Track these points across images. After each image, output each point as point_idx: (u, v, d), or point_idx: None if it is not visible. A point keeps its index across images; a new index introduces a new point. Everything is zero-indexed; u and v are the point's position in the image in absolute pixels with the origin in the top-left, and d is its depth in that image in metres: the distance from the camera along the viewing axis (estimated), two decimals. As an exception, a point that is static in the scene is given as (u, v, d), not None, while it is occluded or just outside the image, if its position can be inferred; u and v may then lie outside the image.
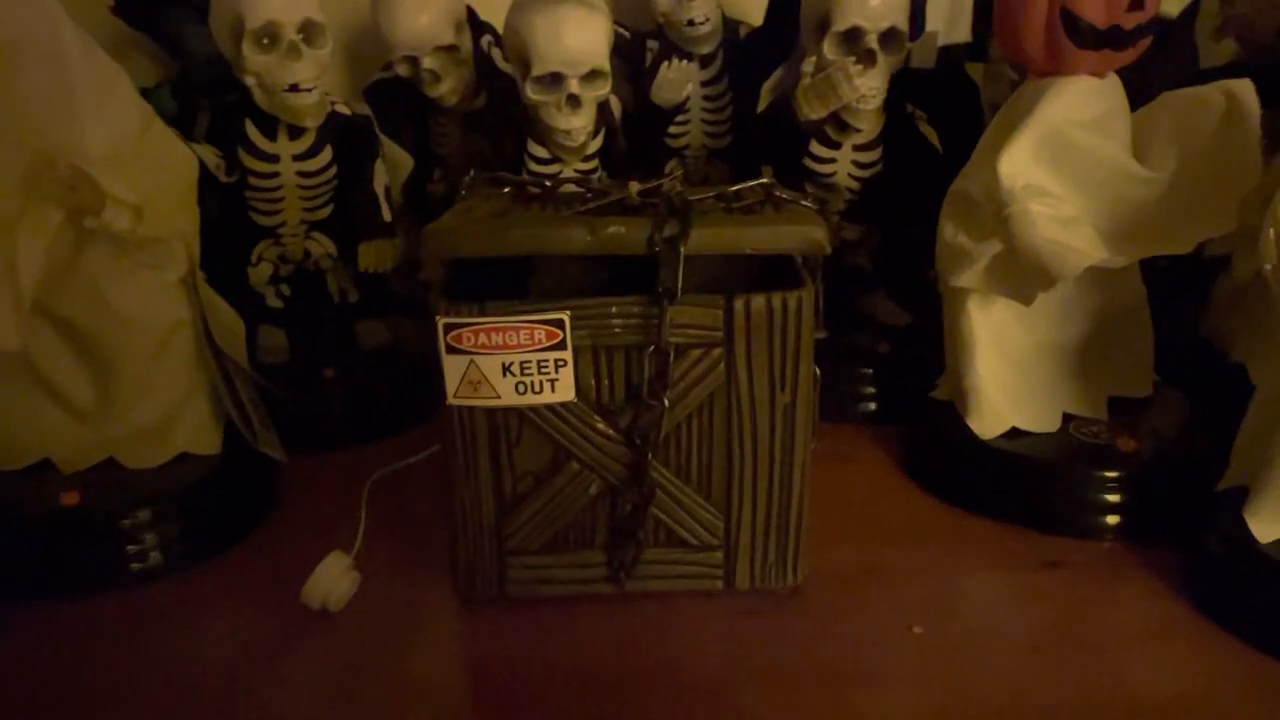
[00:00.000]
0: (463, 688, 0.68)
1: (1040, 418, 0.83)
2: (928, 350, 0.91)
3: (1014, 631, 0.69)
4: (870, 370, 0.98)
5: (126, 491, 0.78)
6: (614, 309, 0.65)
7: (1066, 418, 0.84)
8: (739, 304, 0.64)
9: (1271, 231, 0.65)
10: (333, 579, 0.72)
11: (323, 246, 1.01)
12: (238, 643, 0.72)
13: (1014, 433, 0.83)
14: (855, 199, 1.00)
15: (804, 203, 0.71)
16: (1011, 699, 0.63)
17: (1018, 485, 0.80)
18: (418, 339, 1.02)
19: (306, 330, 1.03)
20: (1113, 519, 0.78)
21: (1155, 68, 0.99)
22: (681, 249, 0.62)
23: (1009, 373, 0.83)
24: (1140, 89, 0.85)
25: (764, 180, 0.71)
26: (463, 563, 0.71)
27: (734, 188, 0.70)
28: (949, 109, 1.08)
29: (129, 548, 0.77)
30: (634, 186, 0.69)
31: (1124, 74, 0.82)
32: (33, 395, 0.80)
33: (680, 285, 0.62)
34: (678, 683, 0.65)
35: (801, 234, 0.65)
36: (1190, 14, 1.01)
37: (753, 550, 0.71)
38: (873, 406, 0.98)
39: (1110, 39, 0.76)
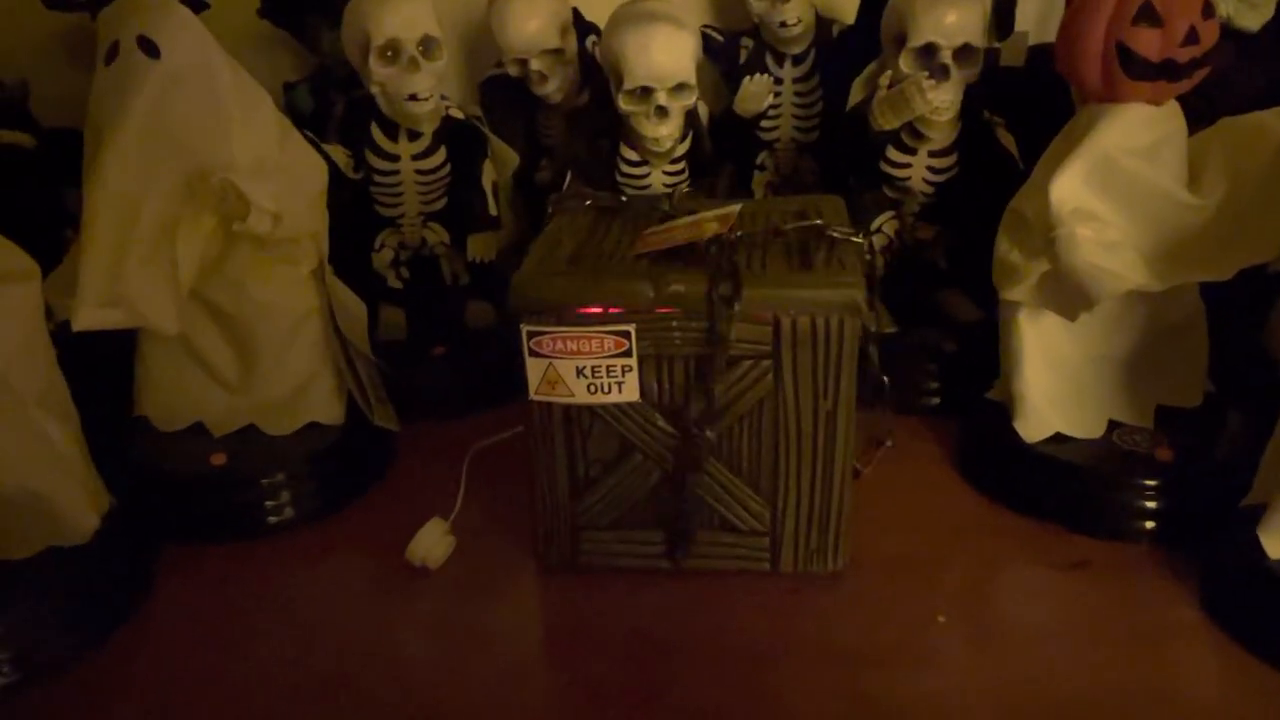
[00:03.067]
0: (535, 641, 0.79)
1: (1084, 424, 0.88)
2: (993, 350, 0.96)
3: (1035, 625, 0.76)
4: (935, 366, 1.04)
5: (265, 455, 0.91)
6: (674, 323, 0.73)
7: (1112, 424, 0.88)
8: (786, 323, 0.72)
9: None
10: (431, 542, 0.84)
11: (438, 235, 1.12)
12: (353, 591, 0.84)
13: (1058, 437, 0.88)
14: (930, 201, 1.05)
15: (854, 239, 0.77)
16: (1023, 689, 0.70)
17: (1056, 488, 0.85)
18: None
19: (422, 309, 1.15)
20: (1145, 524, 0.83)
21: (1242, 78, 1.01)
22: (735, 307, 0.71)
23: (1056, 381, 0.88)
24: (1226, 101, 0.88)
25: (817, 222, 0.78)
26: (541, 535, 0.82)
27: (790, 226, 0.77)
28: (1037, 108, 1.11)
29: (267, 503, 0.90)
30: (706, 225, 0.77)
31: (1207, 85, 0.84)
32: (189, 369, 0.94)
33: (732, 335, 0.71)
34: (721, 649, 0.74)
35: (842, 297, 0.72)
36: (1276, 25, 1.01)
37: (796, 537, 0.79)
38: (936, 401, 1.04)
39: (1164, 72, 0.79)
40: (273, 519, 0.90)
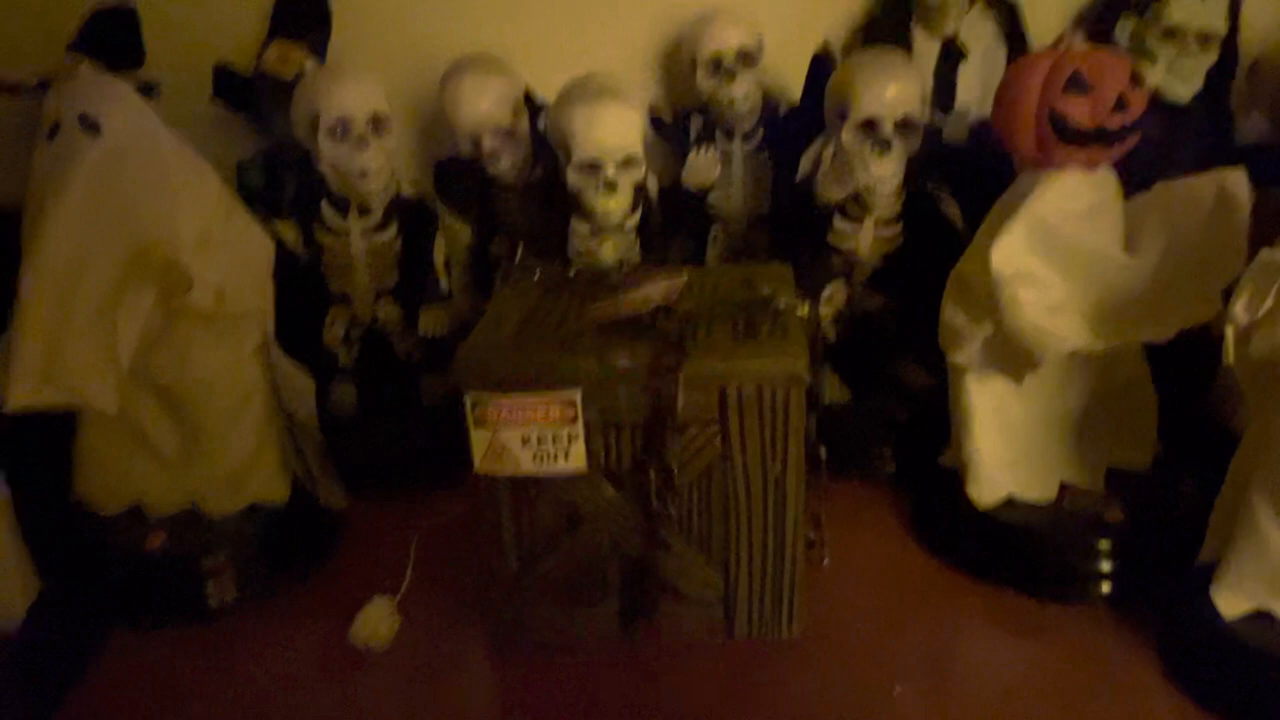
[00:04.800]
0: (487, 723, 0.77)
1: (1036, 486, 0.88)
2: (946, 417, 0.96)
3: (993, 691, 0.75)
4: (889, 434, 1.04)
5: (206, 535, 0.89)
6: (621, 389, 0.73)
7: (1063, 486, 0.88)
8: (732, 390, 0.72)
9: (1230, 330, 0.69)
10: (376, 621, 0.81)
11: (389, 311, 1.11)
12: (297, 676, 0.81)
13: (1010, 501, 0.87)
14: (878, 269, 1.06)
15: (799, 313, 0.78)
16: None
17: (1010, 552, 0.85)
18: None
19: (374, 386, 1.13)
20: (1099, 586, 0.82)
21: (1175, 148, 1.04)
22: (679, 379, 0.70)
23: (1007, 444, 0.88)
24: (1159, 171, 0.90)
25: (764, 295, 0.79)
26: (490, 612, 0.80)
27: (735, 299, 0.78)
28: (983, 183, 1.13)
29: (208, 585, 0.87)
30: (653, 296, 0.77)
31: (1140, 155, 0.86)
32: (129, 449, 0.92)
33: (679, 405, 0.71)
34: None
35: (785, 368, 0.72)
36: (1206, 96, 1.04)
37: (750, 604, 0.78)
38: (890, 469, 1.03)
39: (1097, 138, 0.81)
40: (214, 602, 0.87)
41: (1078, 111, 0.80)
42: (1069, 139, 0.81)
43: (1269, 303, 0.67)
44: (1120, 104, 0.80)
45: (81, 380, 0.82)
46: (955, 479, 0.90)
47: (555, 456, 0.74)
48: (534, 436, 0.73)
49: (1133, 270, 0.81)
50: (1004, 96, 0.83)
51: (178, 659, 0.83)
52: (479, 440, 0.74)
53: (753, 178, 1.21)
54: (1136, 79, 0.81)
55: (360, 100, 1.00)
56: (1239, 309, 0.68)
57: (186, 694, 0.79)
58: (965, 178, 1.11)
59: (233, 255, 0.88)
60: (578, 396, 0.73)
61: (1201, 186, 0.81)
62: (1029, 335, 0.79)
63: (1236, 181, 0.79)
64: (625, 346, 0.73)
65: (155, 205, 0.84)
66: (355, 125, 1.00)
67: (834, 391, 1.08)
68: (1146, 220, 0.83)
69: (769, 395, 0.71)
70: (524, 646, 0.80)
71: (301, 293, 1.08)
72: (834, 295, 1.07)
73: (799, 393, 0.71)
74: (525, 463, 0.74)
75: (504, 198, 1.22)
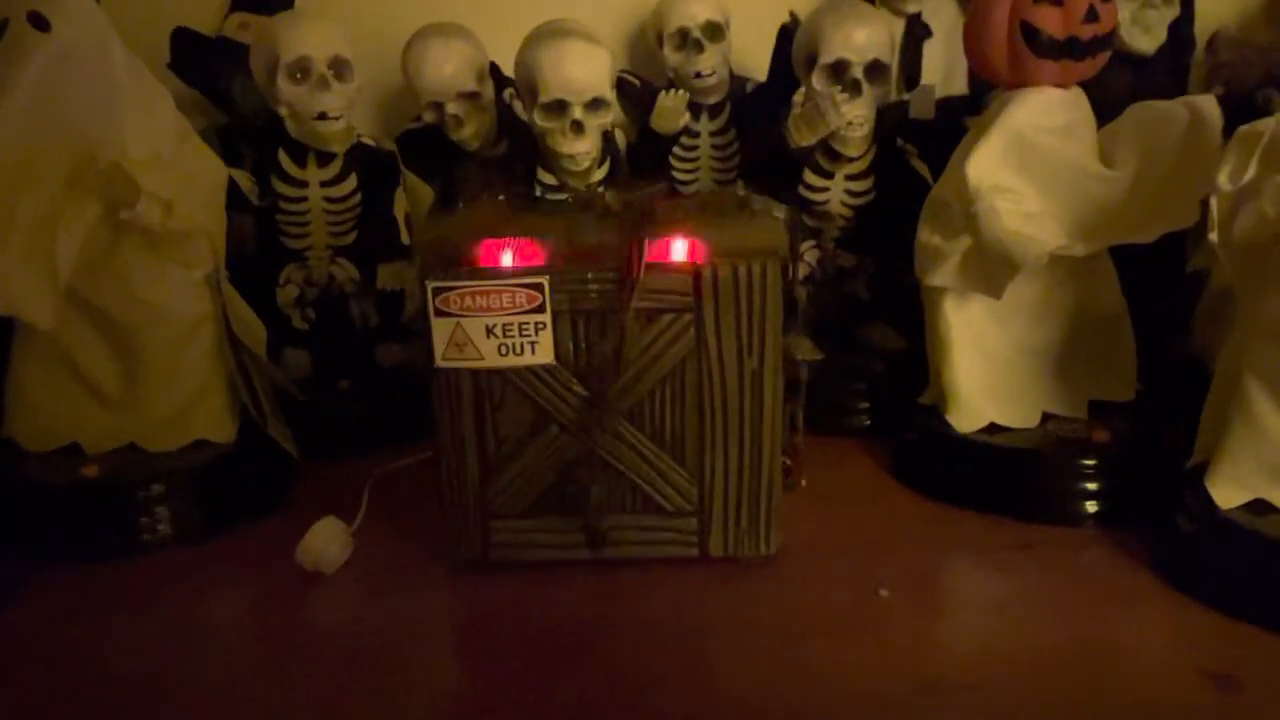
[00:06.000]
0: (443, 640, 0.71)
1: (1019, 415, 0.85)
2: (921, 368, 0.93)
3: (982, 597, 0.71)
4: (864, 386, 1.01)
5: (142, 468, 0.83)
6: (590, 275, 0.69)
7: (1046, 415, 0.86)
8: (706, 271, 0.69)
9: (1215, 204, 0.68)
10: (325, 541, 0.76)
11: (346, 271, 1.07)
12: (238, 603, 0.76)
13: (993, 428, 0.85)
14: (850, 227, 1.04)
15: (775, 212, 0.75)
16: (968, 650, 0.64)
17: (995, 475, 0.82)
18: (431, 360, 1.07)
19: (328, 351, 1.09)
20: (1088, 505, 0.79)
21: (1145, 97, 1.05)
22: (644, 245, 0.67)
23: (987, 371, 0.85)
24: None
25: (738, 188, 0.76)
26: (450, 527, 0.75)
27: (709, 194, 0.75)
28: (947, 157, 1.13)
29: (142, 519, 0.81)
30: (613, 195, 0.75)
31: (1104, 108, 0.86)
32: (64, 383, 0.86)
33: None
34: (646, 631, 0.68)
35: (759, 241, 0.70)
36: (1169, 50, 1.06)
37: (725, 517, 0.73)
38: (867, 421, 1.00)
39: (1068, 50, 0.81)
40: (147, 536, 0.81)
41: (1050, 22, 0.80)
42: (1041, 51, 0.81)
43: (1250, 173, 0.66)
44: (1091, 14, 0.80)
45: (18, 292, 0.77)
46: (936, 415, 0.87)
47: (521, 348, 0.70)
48: (499, 325, 0.70)
49: (1110, 182, 0.80)
50: (976, 11, 0.83)
51: (104, 595, 0.76)
52: (440, 331, 0.70)
53: (721, 155, 1.20)
54: (1106, -8, 0.81)
55: (321, 41, 0.98)
56: (1223, 180, 0.67)
57: (104, 632, 0.72)
58: (930, 152, 1.12)
59: (184, 173, 0.84)
60: (545, 281, 0.69)
61: (1173, 108, 0.81)
62: (1008, 241, 0.77)
63: (1207, 102, 0.79)
64: (594, 226, 0.70)
65: (104, 113, 0.80)
66: (316, 65, 0.97)
67: (806, 351, 1.05)
68: (1121, 139, 0.82)
69: (745, 275, 0.68)
70: (484, 566, 0.75)
71: (255, 259, 1.04)
72: (806, 255, 1.06)
73: (775, 270, 0.69)
74: (489, 355, 0.70)
75: (466, 166, 1.20)
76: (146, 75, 0.85)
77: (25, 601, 0.75)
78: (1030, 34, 0.80)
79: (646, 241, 0.67)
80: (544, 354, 0.70)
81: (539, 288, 0.69)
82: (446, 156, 1.20)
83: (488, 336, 0.70)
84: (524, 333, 0.70)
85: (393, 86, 1.24)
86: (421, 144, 1.19)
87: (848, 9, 0.99)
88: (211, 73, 1.21)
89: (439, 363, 0.71)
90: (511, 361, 0.70)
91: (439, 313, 0.70)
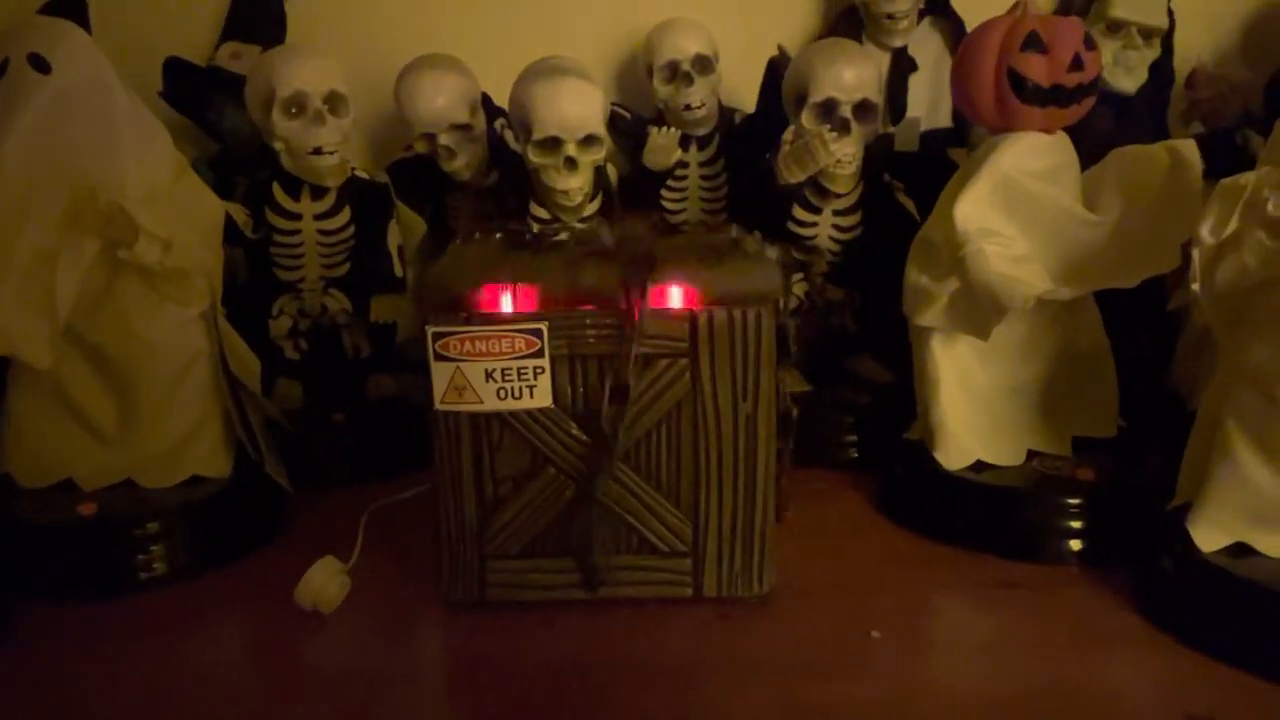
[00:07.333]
0: (439, 683, 0.71)
1: (1004, 452, 0.87)
2: (908, 402, 0.95)
3: (968, 637, 0.73)
4: (852, 419, 1.02)
5: (138, 505, 0.83)
6: (588, 320, 0.70)
7: (1031, 453, 0.87)
8: (703, 317, 0.70)
9: (1197, 255, 0.70)
10: (323, 581, 0.76)
11: (339, 302, 1.08)
12: (234, 644, 0.76)
13: (979, 465, 0.86)
14: (838, 262, 1.06)
15: (768, 253, 0.77)
16: (958, 691, 0.66)
17: (981, 513, 0.83)
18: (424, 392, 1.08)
19: (320, 383, 1.09)
20: (1072, 544, 0.81)
21: (1121, 139, 1.07)
22: (648, 283, 0.69)
23: (973, 409, 0.87)
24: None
25: (731, 230, 0.78)
26: (446, 567, 0.76)
27: (703, 234, 0.77)
28: (931, 190, 1.15)
29: (138, 557, 0.81)
30: (608, 230, 0.76)
31: (1088, 146, 0.88)
32: (60, 419, 0.87)
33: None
34: (644, 672, 0.68)
35: (756, 286, 0.71)
36: (1149, 91, 1.08)
37: (719, 557, 0.74)
38: (854, 454, 1.02)
39: (1054, 97, 0.82)
40: (143, 574, 0.81)
41: (1036, 70, 0.82)
42: (1028, 98, 0.82)
43: (1233, 224, 0.68)
44: (1076, 63, 0.82)
45: (15, 331, 0.78)
46: (922, 451, 0.89)
47: (520, 392, 0.71)
48: (498, 370, 0.71)
49: (1094, 226, 0.82)
50: (964, 58, 0.85)
51: (99, 634, 0.76)
52: (440, 375, 0.71)
53: (710, 187, 1.21)
54: (1090, 42, 0.83)
55: (317, 75, 0.99)
56: (1205, 232, 0.69)
57: (100, 671, 0.72)
58: (916, 184, 1.13)
59: (182, 210, 0.85)
60: (544, 327, 0.70)
61: (1155, 152, 0.83)
62: (996, 284, 0.79)
63: (1187, 146, 0.81)
64: (593, 268, 0.71)
65: (103, 152, 0.81)
66: (311, 100, 0.98)
67: (794, 383, 1.07)
68: (1104, 183, 0.85)
69: (740, 321, 0.70)
70: (481, 606, 0.75)
71: (249, 284, 1.05)
72: (794, 288, 1.07)
73: (770, 317, 0.70)
74: (488, 399, 0.71)
75: (458, 201, 1.21)
76: (145, 114, 0.86)
77: (20, 640, 0.75)
78: (1017, 82, 0.82)
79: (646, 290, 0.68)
80: (542, 397, 0.71)
81: (538, 333, 0.70)
82: (437, 186, 1.21)
83: (487, 380, 0.71)
84: (523, 377, 0.71)
85: (383, 116, 1.25)
86: (412, 173, 1.20)
87: (837, 49, 1.01)
88: (203, 102, 1.21)
89: (438, 406, 0.72)
90: (510, 405, 0.71)
91: (439, 357, 0.71)
